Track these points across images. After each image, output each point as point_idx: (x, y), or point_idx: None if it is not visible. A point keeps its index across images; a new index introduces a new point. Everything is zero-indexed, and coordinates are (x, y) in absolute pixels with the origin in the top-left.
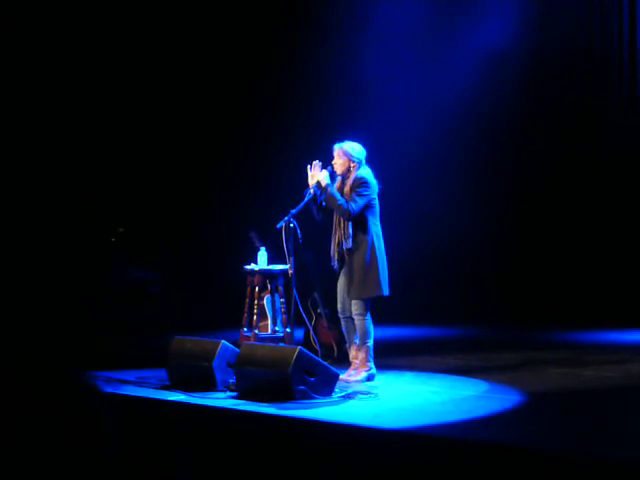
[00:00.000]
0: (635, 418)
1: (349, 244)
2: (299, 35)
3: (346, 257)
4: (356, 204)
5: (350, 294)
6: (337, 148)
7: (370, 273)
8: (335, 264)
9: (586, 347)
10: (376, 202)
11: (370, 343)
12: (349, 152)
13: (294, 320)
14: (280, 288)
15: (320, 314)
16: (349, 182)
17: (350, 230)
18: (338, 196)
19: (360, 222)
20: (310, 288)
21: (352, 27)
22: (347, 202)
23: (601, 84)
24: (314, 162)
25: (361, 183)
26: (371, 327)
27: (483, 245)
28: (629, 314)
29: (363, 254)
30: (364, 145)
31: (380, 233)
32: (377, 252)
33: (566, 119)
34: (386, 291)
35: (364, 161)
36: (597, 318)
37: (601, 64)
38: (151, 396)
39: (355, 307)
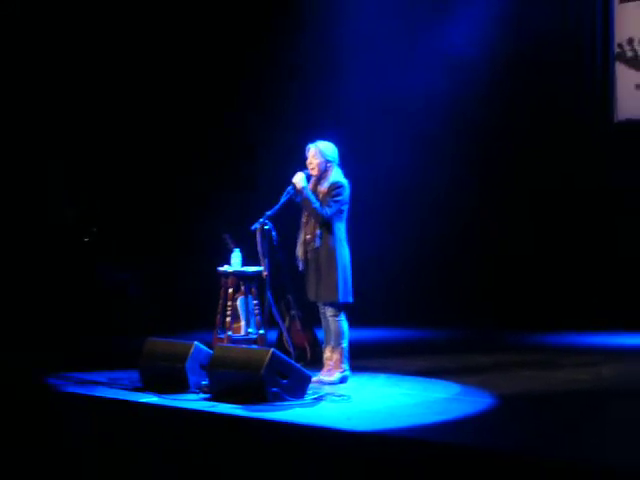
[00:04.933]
0: (606, 421)
1: (315, 244)
2: (269, 38)
3: (311, 257)
4: (331, 209)
5: (319, 296)
6: (311, 148)
7: (331, 278)
8: (300, 264)
9: (558, 350)
10: (346, 207)
11: (345, 344)
12: (324, 152)
13: (267, 322)
14: (254, 290)
15: (294, 316)
16: (325, 184)
17: (317, 231)
18: (313, 199)
19: (326, 225)
20: (284, 290)
21: (324, 28)
22: (322, 206)
23: (573, 85)
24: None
25: (337, 187)
26: (346, 328)
27: (456, 248)
28: (601, 317)
29: (326, 257)
30: (336, 146)
31: (344, 238)
32: (339, 258)
33: (542, 120)
34: (346, 298)
35: (337, 161)
36: (569, 321)
37: (573, 64)
38: (123, 398)
39: (328, 308)
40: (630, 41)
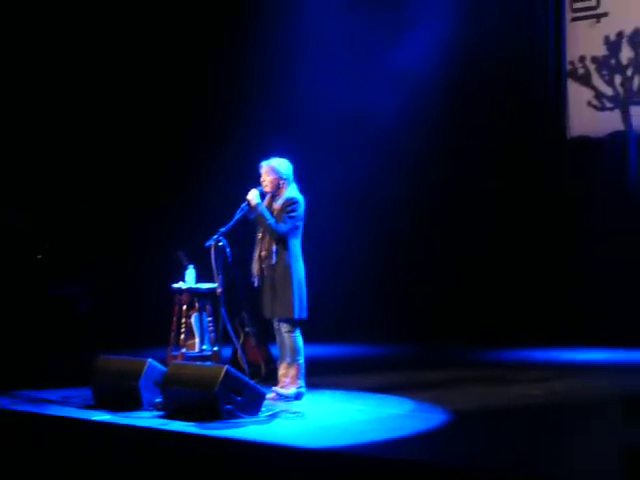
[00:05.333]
0: (558, 436)
1: (271, 260)
2: (219, 55)
3: (266, 274)
4: (286, 225)
5: (274, 313)
6: (265, 165)
7: (286, 295)
8: (256, 280)
9: (511, 365)
10: (301, 223)
11: (301, 361)
12: (278, 169)
13: (222, 339)
14: (208, 307)
15: (248, 333)
16: (280, 201)
17: (272, 247)
18: (268, 215)
19: (282, 241)
20: (239, 307)
21: (276, 45)
22: (276, 222)
23: (526, 103)
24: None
25: (292, 204)
26: (301, 344)
27: (410, 264)
28: (554, 332)
29: (281, 274)
30: (290, 161)
31: (299, 254)
32: (294, 274)
33: (496, 137)
34: (301, 314)
35: (292, 177)
36: (522, 336)
37: (526, 82)
38: (75, 416)
39: (283, 324)
40: (582, 59)
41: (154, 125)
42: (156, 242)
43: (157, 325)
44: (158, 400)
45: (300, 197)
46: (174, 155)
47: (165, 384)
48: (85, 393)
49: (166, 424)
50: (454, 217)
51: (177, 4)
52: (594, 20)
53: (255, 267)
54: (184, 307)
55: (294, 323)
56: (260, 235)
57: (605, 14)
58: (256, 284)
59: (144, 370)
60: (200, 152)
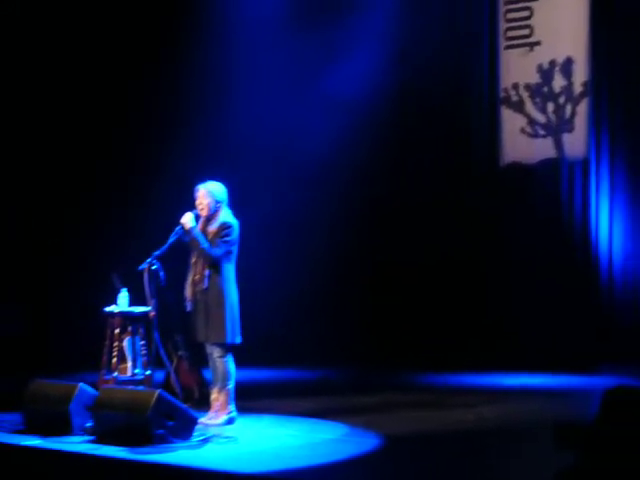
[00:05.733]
0: (489, 461)
1: (204, 285)
2: (151, 85)
3: (200, 298)
4: (220, 249)
5: (207, 337)
6: (201, 189)
7: (219, 319)
8: (189, 304)
9: (443, 390)
10: (235, 248)
11: (231, 386)
12: (213, 193)
13: (155, 363)
14: (141, 330)
15: (181, 356)
16: (214, 225)
17: (206, 271)
18: (202, 239)
19: (215, 266)
20: (172, 330)
21: (214, 69)
22: (210, 246)
23: (461, 129)
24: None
25: (226, 228)
26: (232, 369)
27: (343, 288)
28: (483, 358)
29: (214, 298)
30: (226, 186)
31: (233, 278)
32: (227, 298)
33: (430, 164)
34: (234, 339)
35: (227, 201)
36: (454, 361)
37: (460, 109)
38: (5, 441)
39: (216, 349)
40: (515, 86)
41: (90, 147)
42: (89, 264)
43: (89, 349)
44: (89, 425)
45: (235, 221)
46: (110, 175)
47: (96, 408)
48: (16, 418)
49: (97, 449)
50: (387, 242)
51: (113, 27)
52: (527, 48)
53: (188, 291)
54: (117, 330)
55: (226, 348)
56: (194, 259)
57: (538, 43)
58: (189, 308)
59: (75, 394)
60: (135, 175)
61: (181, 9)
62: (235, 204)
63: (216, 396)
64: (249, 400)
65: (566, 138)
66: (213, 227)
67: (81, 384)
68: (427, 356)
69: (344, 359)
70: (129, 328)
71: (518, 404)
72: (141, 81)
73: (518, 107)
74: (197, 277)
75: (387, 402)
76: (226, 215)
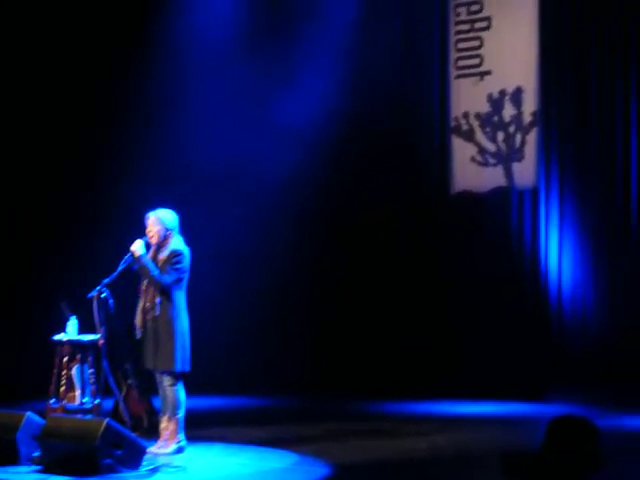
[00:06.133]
0: None
1: (154, 312)
2: (102, 113)
3: (150, 325)
4: (170, 277)
5: (156, 365)
6: (151, 216)
7: (169, 347)
8: (139, 332)
9: (396, 418)
10: (186, 275)
11: (181, 414)
12: (164, 221)
13: (104, 391)
14: (90, 358)
15: (131, 385)
16: (165, 252)
17: (156, 299)
18: (152, 267)
19: (165, 293)
20: (121, 358)
21: (163, 97)
22: (161, 273)
23: (412, 158)
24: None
25: (177, 255)
26: (182, 398)
27: (295, 317)
28: (437, 385)
29: (165, 326)
30: (175, 213)
31: (183, 306)
32: (177, 326)
33: (381, 193)
34: (183, 367)
35: (177, 229)
36: (405, 389)
37: (411, 138)
38: None
39: (165, 377)
40: (466, 115)
41: (39, 176)
42: (38, 292)
43: (37, 377)
44: (36, 454)
45: (185, 249)
46: (58, 205)
47: (44, 437)
48: None
49: (44, 479)
50: (336, 269)
51: (63, 52)
52: (478, 78)
53: (138, 319)
54: (65, 359)
55: (176, 376)
56: (144, 286)
57: (488, 72)
58: (139, 336)
59: (22, 423)
60: (85, 202)
61: (129, 34)
62: (186, 231)
63: (165, 425)
64: (199, 429)
65: (516, 167)
66: (163, 255)
67: (29, 413)
68: (379, 384)
69: (294, 387)
70: (78, 356)
71: (470, 432)
72: (93, 106)
73: (468, 136)
74: (147, 305)
75: (338, 431)
76: (177, 243)
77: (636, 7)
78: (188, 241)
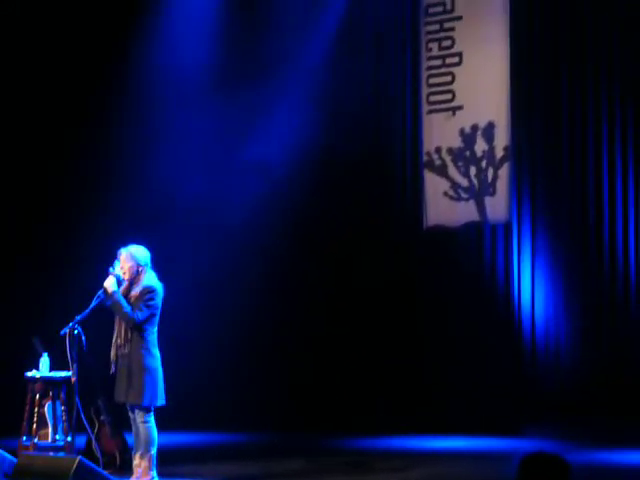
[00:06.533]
0: None
1: (126, 348)
2: (72, 146)
3: (122, 361)
4: (142, 313)
5: (127, 399)
6: (123, 253)
7: (139, 382)
8: (112, 366)
9: (369, 454)
10: (158, 311)
11: (153, 451)
12: (136, 256)
13: (76, 428)
14: (62, 395)
15: (103, 422)
16: (137, 288)
17: (128, 335)
18: (124, 303)
19: (138, 329)
20: (94, 395)
21: (135, 134)
22: (133, 310)
23: (385, 193)
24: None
25: (149, 292)
26: (155, 434)
27: (268, 352)
28: (411, 421)
29: (136, 362)
30: (147, 249)
31: (155, 342)
32: (148, 362)
33: (355, 228)
34: (153, 402)
35: (150, 265)
36: (381, 424)
37: (384, 173)
38: None
39: (138, 414)
40: (438, 150)
41: (14, 211)
42: (10, 328)
43: (9, 414)
44: None
45: (158, 285)
46: (30, 240)
47: (15, 475)
48: None
49: None
50: (310, 304)
51: (38, 90)
52: (450, 113)
53: (112, 353)
54: (37, 396)
55: (147, 411)
56: (117, 322)
57: (460, 107)
58: (112, 370)
59: None
60: (57, 238)
61: (104, 73)
62: (158, 266)
63: (138, 462)
64: (172, 465)
65: (488, 201)
66: (136, 291)
67: (0, 450)
68: (352, 419)
69: (268, 423)
70: (50, 393)
71: (444, 467)
72: (62, 143)
73: (441, 171)
74: (119, 341)
75: (311, 467)
76: (149, 278)
77: (606, 44)
78: (161, 276)
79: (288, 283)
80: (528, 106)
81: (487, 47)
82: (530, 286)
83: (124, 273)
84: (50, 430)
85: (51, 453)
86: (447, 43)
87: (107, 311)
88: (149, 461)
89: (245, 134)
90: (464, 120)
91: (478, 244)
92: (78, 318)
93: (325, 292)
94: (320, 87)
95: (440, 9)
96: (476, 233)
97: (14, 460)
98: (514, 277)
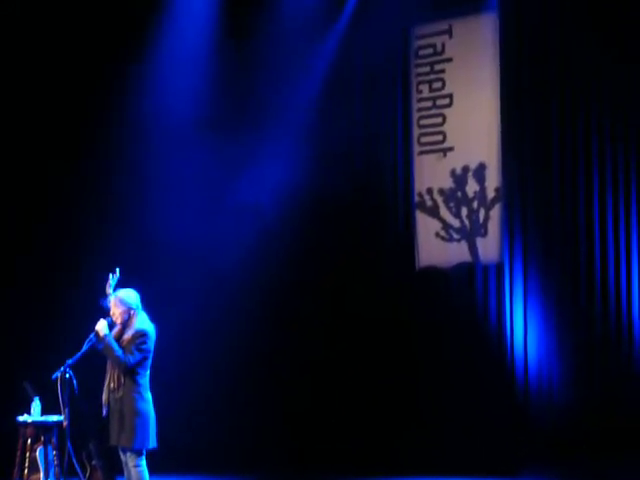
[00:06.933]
0: None
1: (118, 393)
2: (68, 185)
3: (114, 405)
4: (134, 357)
5: (119, 443)
6: (112, 298)
7: (130, 425)
8: (104, 410)
9: None
10: (150, 355)
11: None
12: (125, 301)
13: (67, 473)
14: (54, 440)
15: (95, 466)
16: (129, 332)
17: (120, 378)
18: (116, 347)
19: (130, 373)
20: (86, 439)
21: (124, 175)
22: (125, 354)
23: (377, 234)
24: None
25: (141, 336)
26: (146, 478)
27: (255, 394)
28: (406, 461)
29: (128, 405)
30: (138, 291)
31: (147, 385)
32: (139, 406)
33: (346, 268)
34: (144, 445)
35: (140, 307)
36: (377, 465)
37: (376, 214)
38: None
39: (129, 457)
40: (429, 191)
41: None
42: (1, 373)
43: (1, 459)
44: None
45: (150, 327)
46: (21, 286)
47: None
48: None
49: None
50: (304, 345)
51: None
52: (441, 154)
53: (104, 397)
54: (29, 440)
55: (138, 454)
56: (110, 365)
57: (451, 148)
58: (104, 414)
59: None
60: (48, 283)
61: (96, 111)
62: (149, 308)
63: None
64: None
65: (480, 242)
66: (128, 334)
67: None
68: (349, 460)
69: (265, 464)
70: (42, 437)
71: None
72: (61, 182)
73: (432, 211)
74: (113, 385)
75: None
76: (141, 322)
77: (596, 83)
78: (153, 318)
79: (281, 324)
80: (519, 147)
81: (477, 89)
82: (522, 326)
83: (116, 318)
84: (42, 475)
85: None
86: (438, 85)
87: (99, 355)
88: None
89: (237, 175)
90: (455, 161)
91: (470, 285)
92: (69, 362)
93: (319, 333)
94: (312, 128)
95: (430, 51)
96: (468, 274)
97: None
98: (506, 317)
